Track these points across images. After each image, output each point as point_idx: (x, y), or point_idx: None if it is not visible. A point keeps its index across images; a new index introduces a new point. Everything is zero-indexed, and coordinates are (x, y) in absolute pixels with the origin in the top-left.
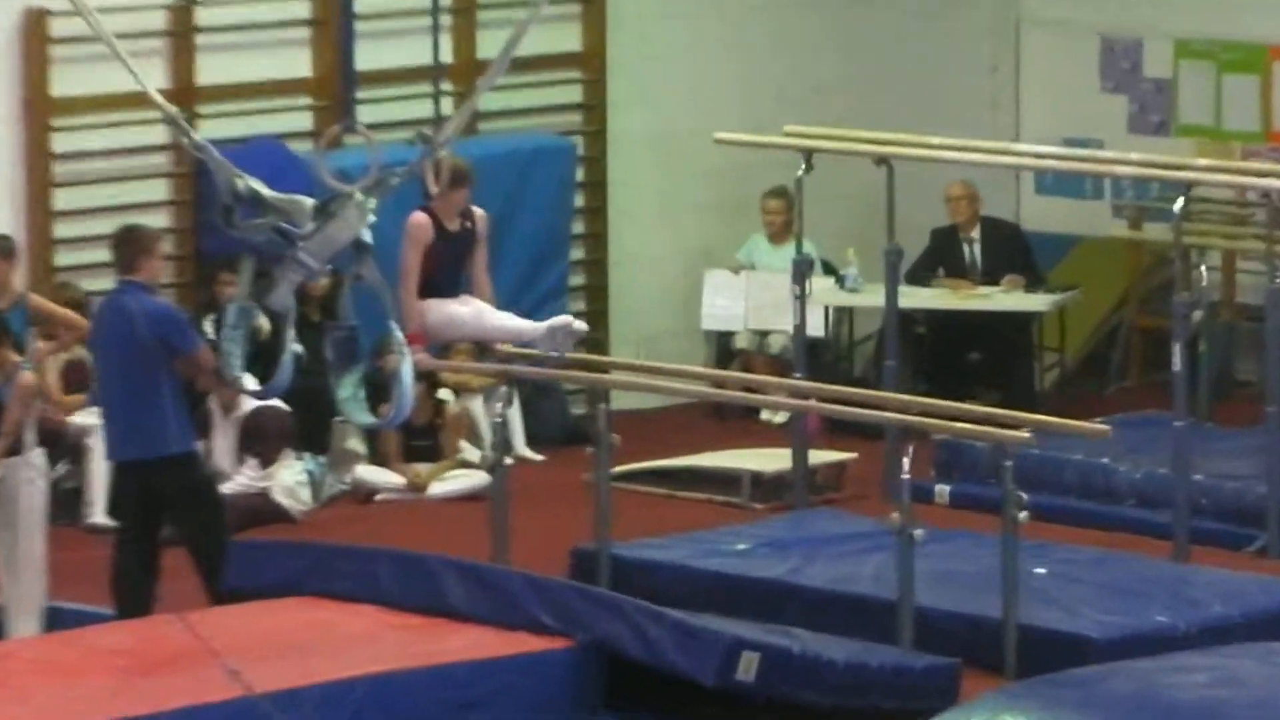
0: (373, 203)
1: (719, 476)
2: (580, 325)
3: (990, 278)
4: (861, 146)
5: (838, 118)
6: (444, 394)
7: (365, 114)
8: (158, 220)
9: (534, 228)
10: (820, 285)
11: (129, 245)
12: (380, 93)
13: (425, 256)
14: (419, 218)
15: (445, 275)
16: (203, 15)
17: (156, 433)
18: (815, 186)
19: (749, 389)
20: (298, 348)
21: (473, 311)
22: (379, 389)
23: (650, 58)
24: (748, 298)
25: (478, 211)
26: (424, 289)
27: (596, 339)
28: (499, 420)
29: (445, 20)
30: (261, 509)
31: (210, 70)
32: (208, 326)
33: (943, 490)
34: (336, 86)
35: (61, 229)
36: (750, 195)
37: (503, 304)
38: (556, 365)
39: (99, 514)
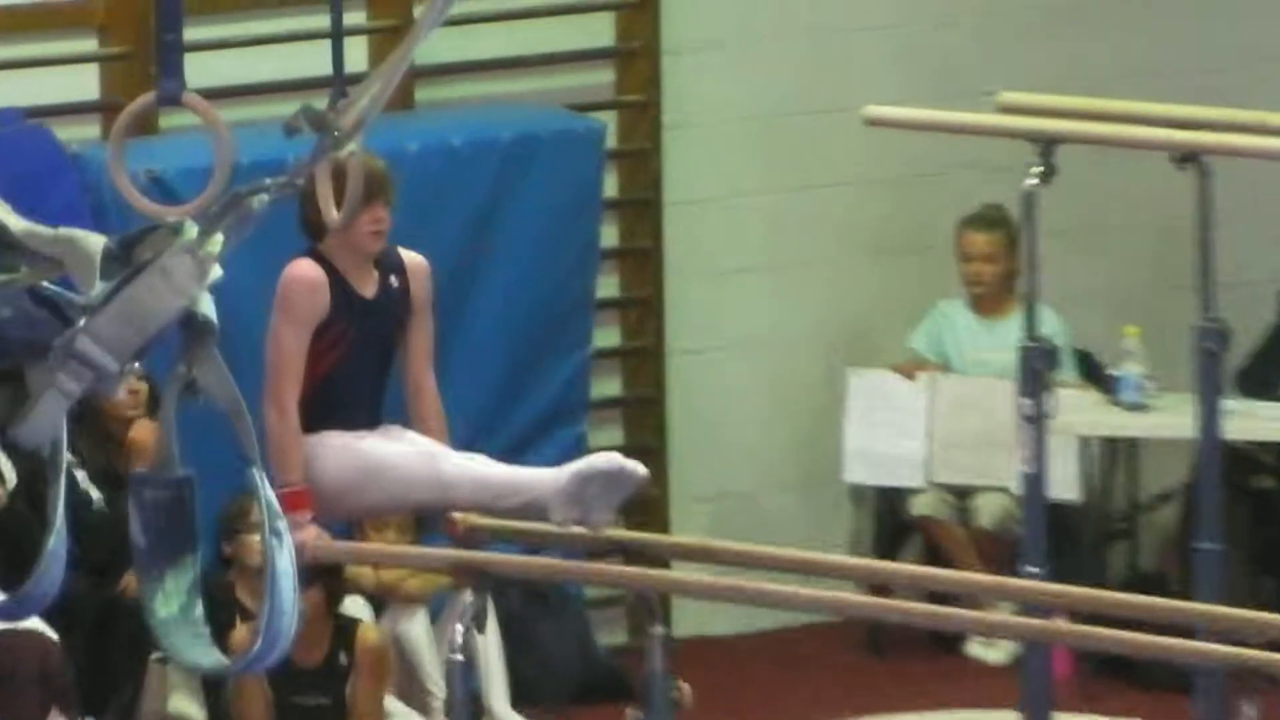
0: (218, 242)
1: None
2: (636, 468)
3: None
4: (1150, 133)
5: (1093, 78)
6: (354, 608)
7: (201, 70)
8: None
9: (522, 289)
10: (1074, 398)
11: None
12: (231, 29)
13: (314, 344)
14: (304, 272)
15: (352, 379)
16: None
17: None
18: (1061, 210)
19: (938, 596)
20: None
21: (411, 454)
22: (229, 601)
23: None
24: (933, 424)
25: (411, 259)
26: (315, 408)
27: (646, 498)
28: (457, 659)
29: None
30: None
31: None
32: None
33: None
34: (146, 18)
35: None
36: (937, 228)
37: (465, 432)
38: (587, 549)
39: None
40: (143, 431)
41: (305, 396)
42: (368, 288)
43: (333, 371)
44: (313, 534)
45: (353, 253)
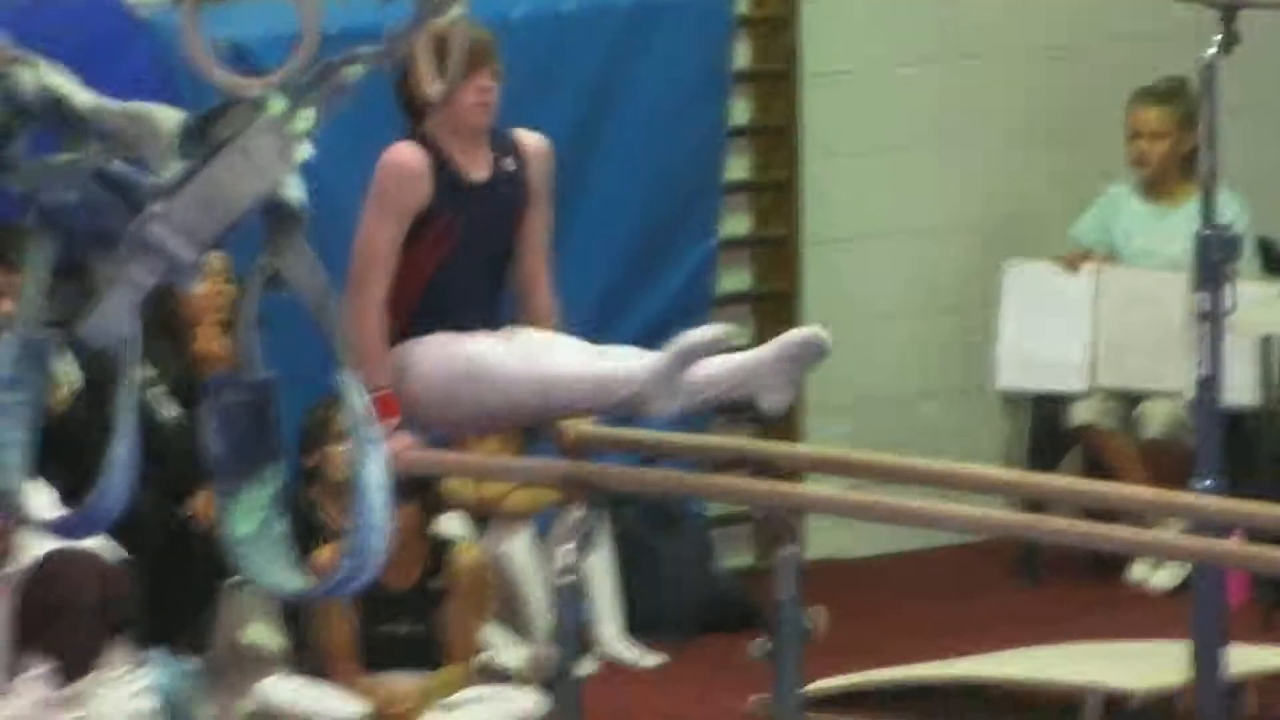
0: (307, 118)
1: (1038, 700)
2: (820, 336)
3: None
4: None
5: None
6: (451, 526)
7: None
8: None
9: (642, 171)
10: (1256, 293)
11: None
12: None
13: (418, 238)
14: (402, 157)
15: (462, 277)
16: None
17: None
18: (1244, 82)
19: (1099, 513)
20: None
21: (521, 354)
22: (313, 519)
23: None
24: (1099, 321)
25: (529, 139)
26: (425, 312)
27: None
28: (565, 582)
29: None
30: None
31: None
32: None
33: None
34: None
35: None
36: (1104, 104)
37: (579, 332)
38: (712, 461)
39: None
40: (211, 342)
41: (413, 300)
42: (478, 170)
43: (443, 269)
44: (403, 443)
45: (458, 131)
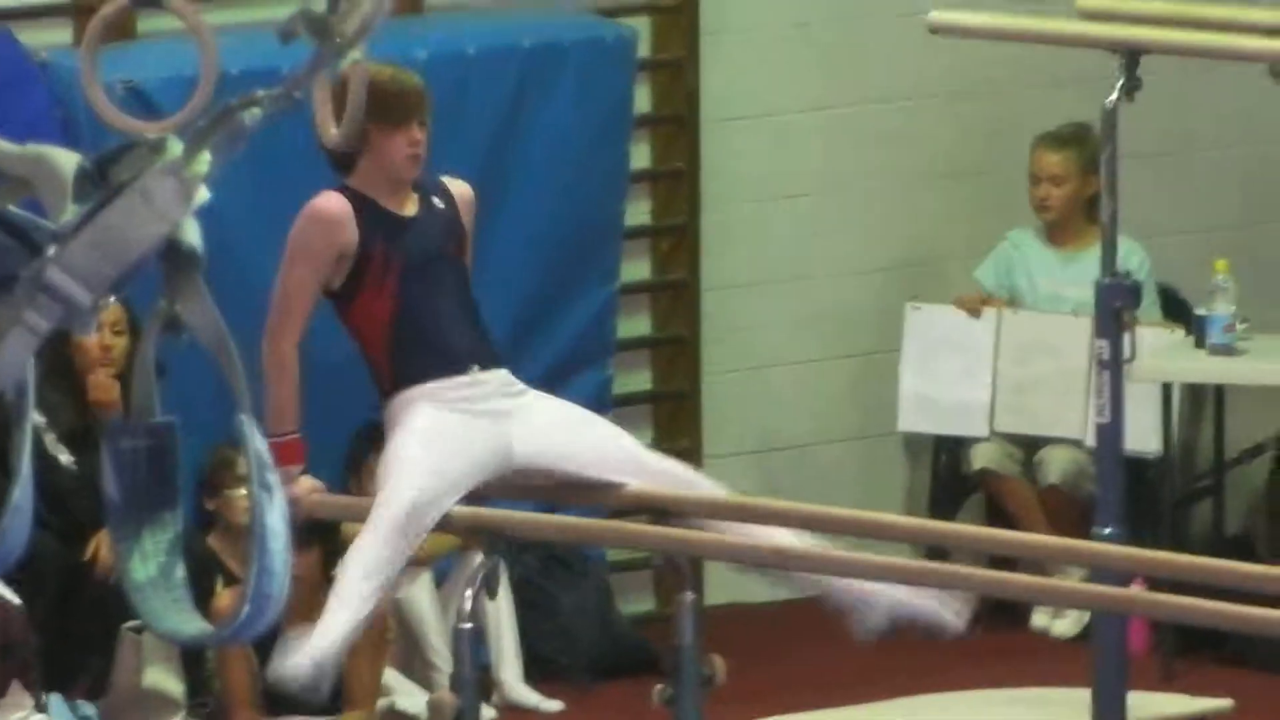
0: (205, 161)
1: None
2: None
3: None
4: (1245, 41)
5: None
6: None
7: None
8: None
9: (542, 215)
10: (1157, 339)
11: None
12: None
13: (361, 282)
14: (323, 204)
15: (425, 303)
16: None
17: None
18: (1145, 129)
19: (1000, 560)
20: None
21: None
22: (212, 563)
23: None
24: (1000, 365)
25: (456, 184)
26: (403, 355)
27: (676, 449)
28: (466, 628)
29: None
30: None
31: None
32: None
33: None
34: None
35: None
36: (1006, 149)
37: None
38: (611, 509)
39: None
40: (104, 391)
41: (388, 341)
42: (407, 209)
43: (402, 301)
44: (306, 487)
45: (387, 180)
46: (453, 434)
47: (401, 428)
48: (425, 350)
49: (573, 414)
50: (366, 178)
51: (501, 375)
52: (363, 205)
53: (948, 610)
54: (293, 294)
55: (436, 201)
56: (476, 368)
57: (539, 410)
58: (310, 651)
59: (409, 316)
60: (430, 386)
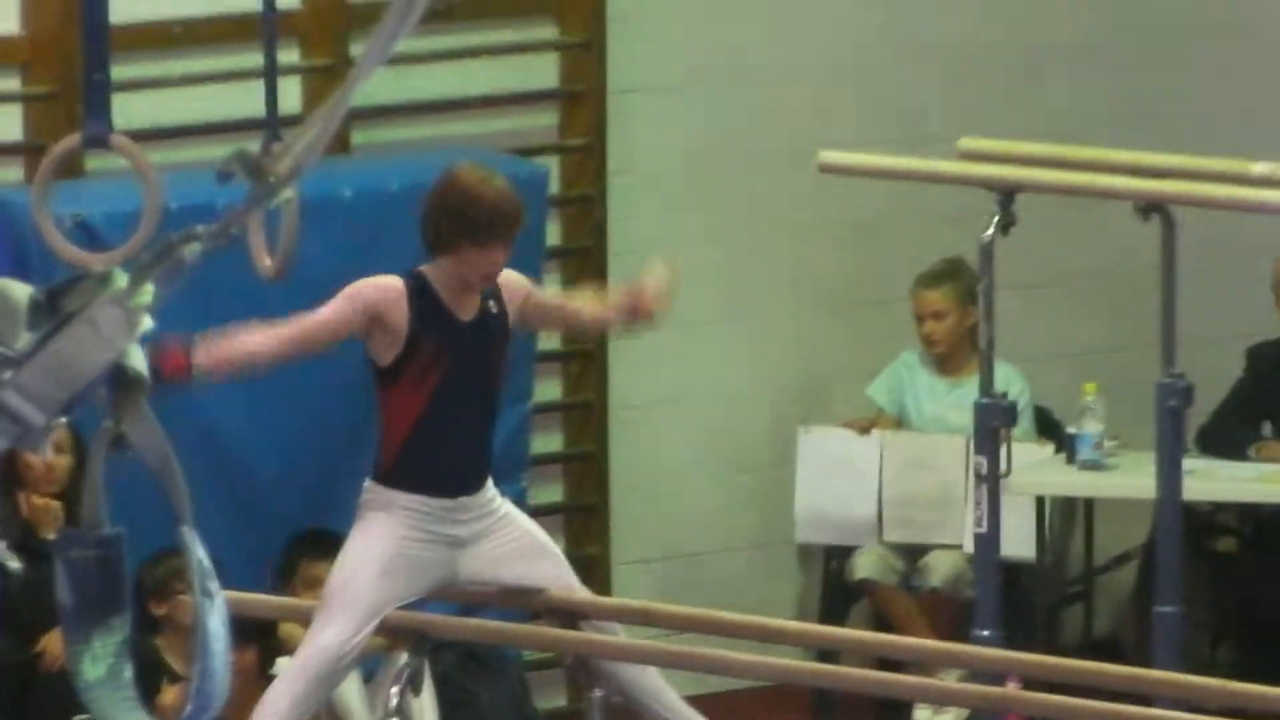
0: (148, 292)
1: None
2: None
3: None
4: (1112, 181)
5: (1060, 125)
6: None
7: (129, 111)
8: None
9: None
10: (1031, 456)
11: None
12: (160, 68)
13: (405, 371)
14: (383, 277)
15: (452, 412)
16: None
17: None
18: (1021, 262)
19: (885, 662)
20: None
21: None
22: (157, 664)
23: (690, 5)
24: (885, 480)
25: (509, 278)
26: (407, 446)
27: (586, 557)
28: None
29: None
30: None
31: None
32: None
33: None
34: (73, 56)
35: None
36: (892, 281)
37: None
38: (526, 613)
39: None
40: (43, 509)
41: (403, 445)
42: (466, 313)
43: (428, 413)
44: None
45: (459, 283)
46: (407, 567)
47: (366, 535)
48: (430, 465)
49: (526, 543)
50: (441, 274)
51: (482, 498)
52: (424, 295)
53: None
54: (321, 316)
55: (492, 305)
56: (465, 496)
57: (497, 537)
58: None
59: (432, 425)
60: (416, 500)
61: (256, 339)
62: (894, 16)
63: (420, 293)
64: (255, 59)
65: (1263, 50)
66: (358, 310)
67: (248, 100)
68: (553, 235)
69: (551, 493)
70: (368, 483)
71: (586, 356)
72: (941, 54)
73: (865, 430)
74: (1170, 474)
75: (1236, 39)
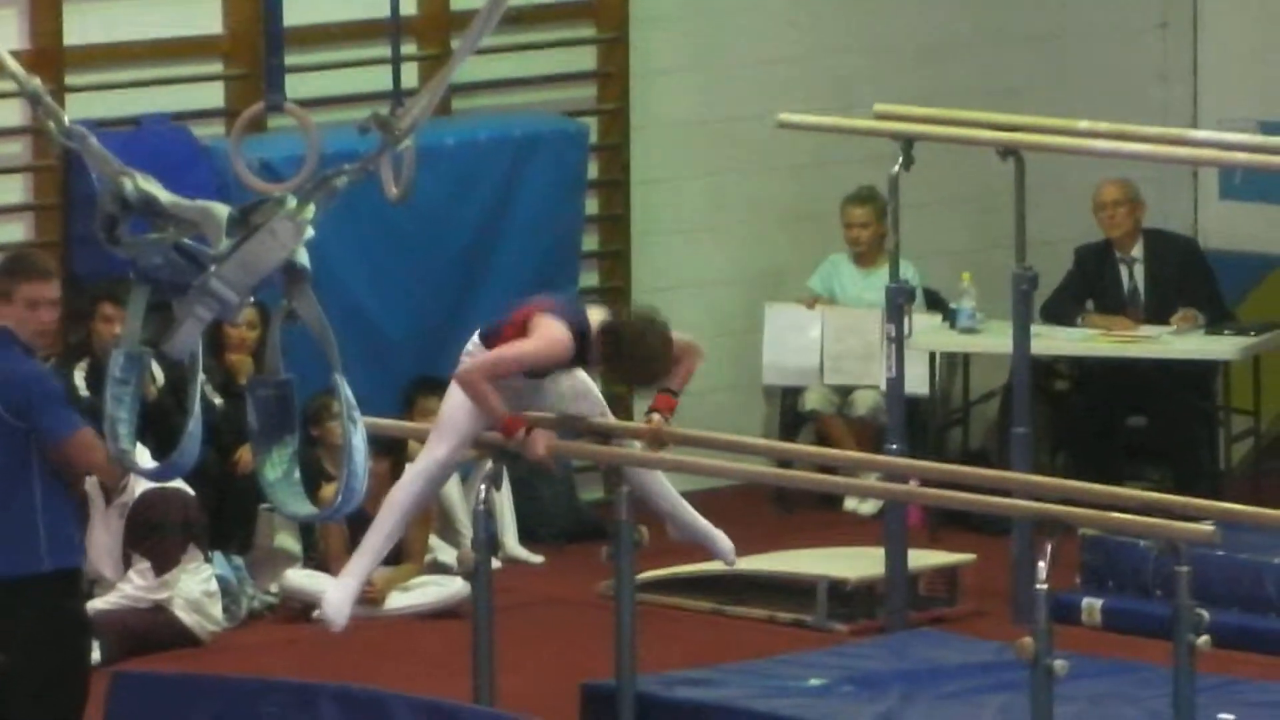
0: (310, 211)
1: (785, 586)
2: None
3: (1157, 314)
4: (980, 133)
5: (948, 95)
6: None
7: (298, 86)
8: (12, 232)
9: (529, 244)
10: (924, 323)
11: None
12: (319, 56)
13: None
14: (565, 337)
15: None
16: None
17: (20, 543)
18: (917, 189)
19: (825, 468)
20: (206, 406)
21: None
22: (317, 468)
23: (692, 10)
24: (825, 341)
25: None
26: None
27: (616, 396)
28: (482, 509)
29: None
30: (156, 628)
31: (82, 27)
32: (79, 379)
33: (1093, 605)
34: (258, 48)
35: None
36: (828, 202)
37: None
38: (576, 433)
39: None
40: (240, 365)
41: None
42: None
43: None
44: (543, 437)
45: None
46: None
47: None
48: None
49: (577, 386)
50: (592, 355)
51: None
52: (582, 340)
53: (727, 550)
54: (510, 361)
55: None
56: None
57: (557, 382)
58: (340, 589)
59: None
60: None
61: (493, 402)
62: (833, 19)
63: (581, 338)
64: (384, 49)
65: (1082, 46)
66: (533, 363)
67: (379, 78)
68: (592, 171)
69: None
70: (472, 341)
71: (616, 255)
72: (864, 47)
73: (811, 306)
74: (1022, 337)
75: (1063, 38)
